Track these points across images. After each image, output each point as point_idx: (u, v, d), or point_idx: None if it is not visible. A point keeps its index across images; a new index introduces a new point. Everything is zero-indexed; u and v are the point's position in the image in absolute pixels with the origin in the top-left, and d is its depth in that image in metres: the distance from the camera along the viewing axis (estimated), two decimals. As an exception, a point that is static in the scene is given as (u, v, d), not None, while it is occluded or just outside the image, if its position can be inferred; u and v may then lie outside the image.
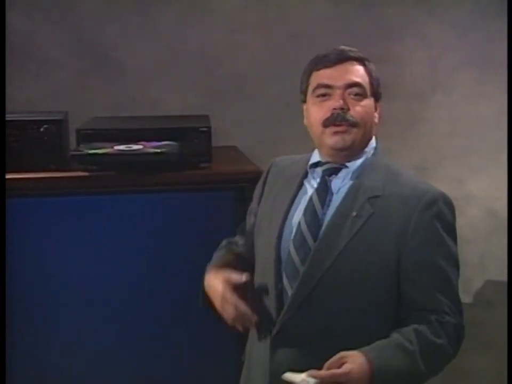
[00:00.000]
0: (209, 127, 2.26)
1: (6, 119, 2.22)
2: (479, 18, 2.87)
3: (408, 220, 1.60)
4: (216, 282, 1.67)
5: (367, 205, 1.62)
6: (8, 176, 2.16)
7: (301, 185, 1.73)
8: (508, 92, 2.72)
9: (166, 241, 2.18)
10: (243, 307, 1.61)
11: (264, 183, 1.85)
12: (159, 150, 2.15)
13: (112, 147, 2.16)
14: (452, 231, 1.66)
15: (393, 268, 1.61)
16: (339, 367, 1.46)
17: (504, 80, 2.85)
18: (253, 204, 1.88)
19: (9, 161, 2.18)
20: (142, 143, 2.20)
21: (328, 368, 1.46)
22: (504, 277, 3.03)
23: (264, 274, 1.70)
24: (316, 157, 1.74)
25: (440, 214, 1.64)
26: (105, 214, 2.20)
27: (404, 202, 1.62)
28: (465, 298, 3.04)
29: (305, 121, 1.74)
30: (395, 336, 1.56)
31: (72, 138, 2.34)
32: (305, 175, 1.74)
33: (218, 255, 1.84)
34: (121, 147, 2.17)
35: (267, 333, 1.66)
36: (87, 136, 2.19)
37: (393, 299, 1.62)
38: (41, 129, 2.20)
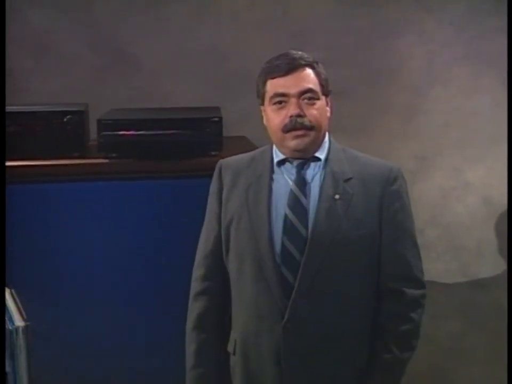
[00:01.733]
0: (220, 117, 2.44)
1: (32, 110, 2.42)
2: (474, 15, 3.02)
3: (381, 195, 1.82)
4: None
5: (345, 187, 1.81)
6: (33, 163, 2.35)
7: (271, 181, 1.86)
8: (508, 85, 2.86)
9: (180, 224, 2.34)
10: None
11: (221, 184, 1.93)
12: (174, 139, 2.33)
13: (130, 136, 2.34)
14: (407, 196, 1.89)
15: (377, 237, 1.82)
16: None
17: (499, 74, 3.01)
18: (212, 206, 1.94)
19: (35, 149, 2.38)
20: (158, 132, 2.38)
21: None
22: (500, 262, 3.20)
23: (260, 265, 1.81)
24: (279, 155, 1.87)
25: (403, 185, 1.88)
26: (123, 199, 2.38)
27: (374, 181, 1.83)
28: (463, 281, 3.24)
29: (264, 121, 1.90)
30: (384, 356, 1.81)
31: (92, 128, 2.53)
32: (272, 172, 1.87)
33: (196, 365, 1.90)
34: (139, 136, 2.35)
35: (276, 322, 1.79)
36: (107, 125, 2.37)
37: (377, 263, 1.83)
38: (65, 120, 2.39)
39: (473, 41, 3.04)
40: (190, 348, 1.92)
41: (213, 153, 2.40)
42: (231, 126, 2.72)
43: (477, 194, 3.19)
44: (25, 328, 1.60)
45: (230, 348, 1.91)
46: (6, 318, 1.64)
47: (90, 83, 2.94)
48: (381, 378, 1.83)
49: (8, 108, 2.45)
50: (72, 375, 2.32)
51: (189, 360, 1.92)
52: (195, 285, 1.94)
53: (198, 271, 1.95)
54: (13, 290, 1.78)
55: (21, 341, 1.59)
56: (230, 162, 1.98)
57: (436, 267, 3.19)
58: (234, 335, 1.90)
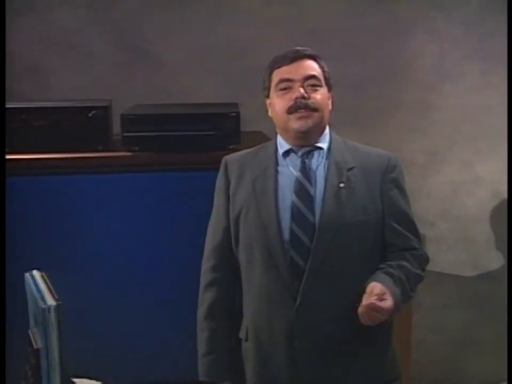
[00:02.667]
0: (238, 113, 2.55)
1: (59, 105, 2.54)
2: (484, 14, 3.11)
3: (382, 182, 1.93)
4: None
5: (348, 176, 1.91)
6: (60, 155, 2.48)
7: (276, 172, 1.96)
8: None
9: (199, 214, 2.44)
10: None
11: (227, 177, 2.02)
12: (193, 133, 2.45)
13: (152, 130, 2.46)
14: (404, 183, 2.00)
15: (380, 222, 1.93)
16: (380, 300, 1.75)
17: (508, 71, 3.09)
18: (219, 200, 2.03)
19: (62, 142, 2.50)
20: (178, 126, 2.50)
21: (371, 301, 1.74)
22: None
23: (269, 253, 1.90)
24: (284, 146, 1.98)
25: (400, 173, 1.99)
26: (144, 190, 2.50)
27: (374, 169, 1.94)
28: (473, 273, 3.33)
29: (269, 113, 2.00)
30: (389, 270, 1.87)
31: (115, 123, 2.65)
32: (277, 164, 1.97)
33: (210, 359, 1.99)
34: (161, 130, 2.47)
35: (288, 307, 1.88)
36: (131, 120, 2.49)
37: (380, 246, 1.95)
38: (90, 115, 2.51)
39: (483, 39, 3.13)
40: (202, 336, 2.01)
41: (231, 147, 2.50)
42: (248, 121, 2.82)
43: (487, 188, 3.27)
44: (57, 307, 1.72)
45: (242, 335, 2.00)
46: (38, 297, 1.76)
47: (113, 80, 3.07)
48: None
49: (37, 104, 2.59)
50: (98, 350, 2.45)
51: (201, 347, 2.01)
52: (205, 276, 2.04)
53: (207, 263, 2.04)
54: (43, 273, 1.90)
55: (52, 319, 1.71)
56: (235, 157, 2.06)
57: (447, 259, 3.28)
58: (246, 322, 1.99)
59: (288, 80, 1.91)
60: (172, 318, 2.51)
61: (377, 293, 1.75)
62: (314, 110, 1.90)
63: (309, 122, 1.90)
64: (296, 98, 1.89)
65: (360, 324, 1.83)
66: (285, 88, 1.91)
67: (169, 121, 2.50)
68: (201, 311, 2.02)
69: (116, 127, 2.64)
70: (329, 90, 1.97)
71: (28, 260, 2.06)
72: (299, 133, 1.92)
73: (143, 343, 2.53)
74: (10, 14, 3.02)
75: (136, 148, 2.50)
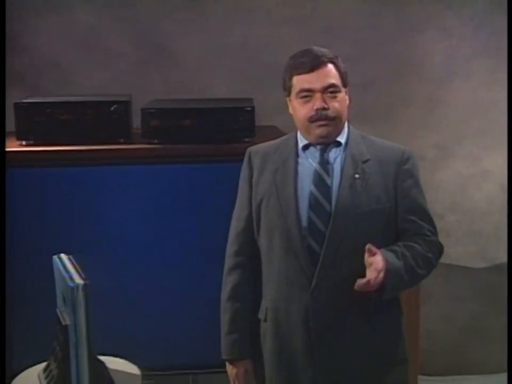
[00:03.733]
0: (253, 107, 2.68)
1: (82, 100, 2.68)
2: (493, 12, 3.21)
3: (396, 173, 2.05)
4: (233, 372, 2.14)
5: (363, 167, 2.03)
6: (83, 148, 2.61)
7: (296, 164, 2.08)
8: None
9: (215, 203, 2.58)
10: None
11: (251, 168, 2.14)
12: (210, 126, 2.58)
13: (171, 124, 2.60)
14: (418, 175, 2.11)
15: (393, 211, 2.04)
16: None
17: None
18: (243, 189, 2.14)
19: (84, 135, 2.64)
20: (196, 120, 2.63)
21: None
22: (516, 246, 3.37)
23: (288, 239, 2.03)
24: (304, 140, 2.09)
25: (414, 165, 2.09)
26: (164, 180, 2.64)
27: (389, 161, 2.05)
28: (481, 265, 3.42)
29: (290, 110, 2.11)
30: (393, 247, 1.99)
31: (134, 117, 2.78)
32: (297, 156, 2.09)
33: (233, 338, 2.12)
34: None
35: (304, 289, 2.01)
36: (151, 114, 2.62)
37: (394, 232, 2.06)
38: (112, 109, 2.65)
39: (492, 36, 3.23)
40: (225, 316, 2.14)
41: (246, 139, 2.63)
42: (263, 116, 2.95)
43: (495, 181, 3.37)
44: (84, 286, 1.85)
45: (261, 315, 2.13)
46: (67, 277, 1.89)
47: (132, 76, 3.19)
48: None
49: (61, 98, 2.73)
50: (122, 327, 2.59)
51: (224, 327, 2.15)
52: (229, 260, 2.17)
53: (231, 247, 2.17)
54: (70, 256, 2.04)
55: (80, 297, 1.84)
56: (258, 149, 2.19)
57: (456, 251, 3.38)
58: (265, 303, 2.12)
59: (309, 90, 2.02)
60: (193, 302, 2.67)
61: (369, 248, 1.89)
62: (333, 119, 2.03)
63: (329, 129, 2.03)
64: (317, 109, 2.01)
65: (370, 306, 1.96)
66: (305, 96, 2.03)
67: (188, 115, 2.64)
68: (224, 293, 2.15)
69: (135, 121, 2.77)
70: (346, 86, 2.09)
71: (55, 244, 2.21)
72: (320, 137, 2.06)
73: (163, 325, 2.68)
74: (33, 13, 3.18)
75: (156, 141, 2.63)
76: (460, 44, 3.27)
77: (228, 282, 2.15)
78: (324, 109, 2.00)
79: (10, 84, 3.14)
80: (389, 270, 1.91)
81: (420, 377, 3.05)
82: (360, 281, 1.88)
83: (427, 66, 3.30)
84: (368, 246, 1.89)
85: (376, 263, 1.88)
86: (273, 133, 2.89)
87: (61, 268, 1.96)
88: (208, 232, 2.60)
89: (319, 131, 2.03)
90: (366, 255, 1.89)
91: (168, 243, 2.65)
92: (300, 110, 2.04)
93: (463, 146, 3.35)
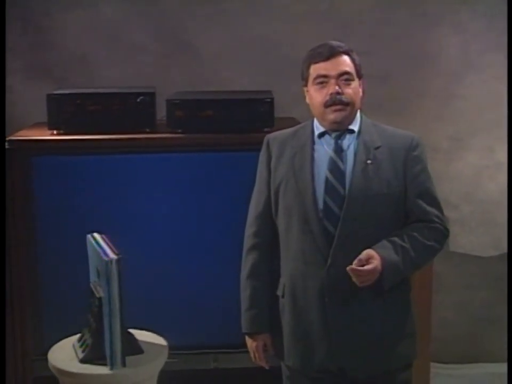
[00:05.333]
0: (272, 99, 2.91)
1: (110, 91, 2.92)
2: (506, 6, 3.39)
3: (406, 159, 2.26)
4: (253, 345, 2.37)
5: (375, 154, 2.25)
6: (110, 137, 2.86)
7: (313, 150, 2.30)
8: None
9: (236, 189, 2.79)
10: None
11: (269, 153, 2.34)
12: (231, 117, 2.81)
13: (194, 114, 2.84)
14: (426, 160, 2.31)
15: (402, 194, 2.25)
16: (367, 263, 2.12)
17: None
18: (262, 174, 2.34)
19: (112, 125, 2.88)
20: (218, 111, 2.87)
21: (360, 264, 2.11)
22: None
23: (305, 220, 2.24)
24: (319, 128, 2.31)
25: (423, 152, 2.30)
26: (187, 168, 2.88)
27: (399, 148, 2.26)
28: (494, 254, 3.62)
29: (307, 100, 2.33)
30: (393, 239, 2.21)
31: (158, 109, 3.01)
32: (313, 143, 2.31)
33: (253, 313, 2.34)
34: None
35: (320, 267, 2.23)
36: (175, 105, 2.86)
37: (403, 215, 2.27)
38: (138, 100, 2.89)
39: (505, 30, 3.39)
40: (245, 293, 2.38)
41: (265, 130, 2.85)
42: (281, 108, 3.15)
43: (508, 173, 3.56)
44: (117, 260, 2.09)
45: (279, 292, 2.35)
46: (101, 252, 2.13)
47: (155, 70, 3.43)
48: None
49: (90, 90, 2.98)
50: (145, 308, 2.79)
51: (244, 303, 2.38)
52: (248, 241, 2.39)
53: (250, 229, 2.39)
54: (103, 235, 2.28)
55: (114, 270, 2.08)
56: (275, 136, 2.40)
57: (469, 240, 3.59)
58: (283, 280, 2.34)
59: (325, 76, 2.25)
60: (215, 283, 2.93)
61: (361, 258, 2.13)
62: (347, 104, 2.24)
63: (343, 114, 2.25)
64: (332, 94, 2.22)
65: (381, 284, 2.18)
66: (321, 83, 2.25)
67: (210, 106, 2.88)
68: (244, 272, 2.38)
69: (158, 112, 3.01)
70: (360, 78, 2.31)
71: (85, 226, 2.46)
72: (334, 123, 2.27)
73: (184, 305, 2.94)
74: (61, 9, 3.43)
75: (180, 130, 2.87)
76: (474, 38, 3.47)
77: (247, 261, 2.37)
78: (338, 93, 2.22)
79: (38, 77, 3.41)
80: (386, 266, 2.15)
81: (432, 364, 3.22)
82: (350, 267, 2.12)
83: (442, 60, 3.50)
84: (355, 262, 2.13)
85: (363, 254, 2.15)
86: (292, 124, 3.08)
87: (95, 244, 2.22)
88: (229, 215, 2.83)
89: (333, 116, 2.24)
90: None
91: (190, 226, 2.90)
92: (315, 96, 2.26)
93: (477, 138, 3.54)
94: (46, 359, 2.32)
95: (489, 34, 3.46)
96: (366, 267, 2.12)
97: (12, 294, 2.87)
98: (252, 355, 2.39)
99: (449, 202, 3.52)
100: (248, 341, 2.39)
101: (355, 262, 2.12)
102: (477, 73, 3.50)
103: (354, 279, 2.13)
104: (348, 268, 2.12)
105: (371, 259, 2.14)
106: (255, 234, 2.37)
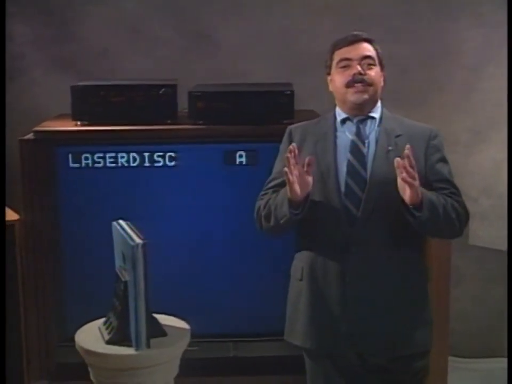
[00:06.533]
0: (292, 91, 3.07)
1: (134, 83, 3.09)
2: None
3: (425, 148, 2.42)
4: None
5: (396, 141, 2.40)
6: (134, 127, 3.03)
7: (335, 137, 2.45)
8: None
9: (255, 178, 2.89)
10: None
11: (291, 141, 2.46)
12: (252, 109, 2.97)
13: (216, 106, 3.00)
14: (444, 150, 2.48)
15: (422, 181, 2.36)
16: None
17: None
18: (281, 161, 2.43)
19: (135, 116, 3.05)
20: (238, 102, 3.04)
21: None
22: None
23: (328, 201, 2.39)
24: (341, 115, 2.47)
25: (441, 142, 2.47)
26: (208, 159, 3.06)
27: (418, 137, 2.43)
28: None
29: (330, 88, 2.49)
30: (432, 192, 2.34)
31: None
32: (335, 130, 2.47)
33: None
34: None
35: (342, 247, 2.38)
36: (197, 97, 3.02)
37: None
38: (160, 92, 3.05)
39: (525, 23, 3.55)
40: (270, 208, 2.42)
41: (285, 121, 2.99)
42: (301, 101, 3.29)
43: (528, 165, 3.68)
44: (143, 245, 2.24)
45: (297, 275, 2.49)
46: (127, 237, 2.29)
47: (175, 63, 3.58)
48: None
49: (114, 82, 3.16)
50: (166, 295, 2.89)
51: (274, 206, 2.40)
52: (258, 202, 2.49)
53: (260, 198, 2.50)
54: (127, 222, 2.44)
55: (140, 255, 2.23)
56: (298, 125, 2.59)
57: (489, 234, 3.71)
58: (301, 264, 2.47)
59: (347, 59, 2.42)
60: (236, 272, 3.10)
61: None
62: (369, 84, 2.40)
63: (364, 95, 2.41)
64: (354, 74, 2.39)
65: (401, 264, 2.34)
66: (344, 66, 2.42)
67: (231, 98, 3.04)
68: (262, 210, 2.46)
69: (179, 105, 3.17)
70: (382, 69, 2.47)
71: (107, 213, 2.63)
72: (355, 104, 2.42)
73: (205, 294, 3.10)
74: (83, 1, 3.60)
75: (201, 121, 3.04)
76: (494, 30, 3.58)
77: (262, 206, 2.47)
78: (360, 73, 2.39)
79: (61, 70, 3.59)
80: (424, 198, 2.26)
81: (450, 358, 3.33)
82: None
83: (462, 52, 3.63)
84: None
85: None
86: (311, 116, 3.22)
87: (121, 230, 2.37)
88: (249, 205, 2.97)
89: (354, 97, 2.40)
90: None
91: (211, 216, 3.07)
92: (338, 78, 2.42)
93: (497, 131, 3.66)
94: (69, 346, 2.46)
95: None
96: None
97: (35, 281, 3.06)
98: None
99: (468, 195, 3.61)
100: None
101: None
102: (497, 66, 3.61)
103: (399, 172, 2.22)
104: (396, 159, 2.23)
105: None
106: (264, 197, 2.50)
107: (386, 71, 2.49)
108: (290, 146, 2.30)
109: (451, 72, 3.66)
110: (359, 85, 2.40)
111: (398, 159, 2.23)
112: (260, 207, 2.49)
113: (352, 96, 2.41)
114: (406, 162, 2.21)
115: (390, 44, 3.35)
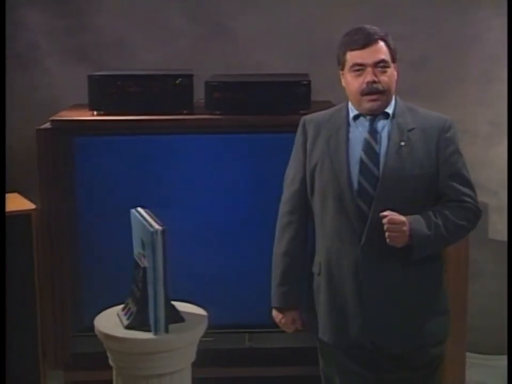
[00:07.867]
0: (309, 81, 3.19)
1: (150, 73, 3.23)
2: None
3: (438, 140, 2.51)
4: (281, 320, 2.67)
5: (409, 135, 2.50)
6: (150, 117, 3.17)
7: (348, 132, 2.54)
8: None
9: (272, 169, 3.01)
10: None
11: (305, 134, 2.59)
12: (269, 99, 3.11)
13: (233, 96, 3.14)
14: (458, 142, 2.55)
15: (435, 175, 2.49)
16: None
17: None
18: (298, 154, 2.60)
19: (151, 106, 3.19)
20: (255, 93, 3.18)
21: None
22: None
23: (341, 200, 2.50)
24: (354, 111, 2.53)
25: (455, 133, 2.55)
26: (224, 149, 3.20)
27: (432, 129, 2.51)
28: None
29: (343, 83, 2.57)
30: (427, 213, 2.46)
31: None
32: (348, 125, 2.55)
33: (284, 290, 2.63)
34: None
35: (355, 245, 2.50)
36: (214, 87, 3.16)
37: (435, 195, 2.51)
38: (177, 82, 3.19)
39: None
40: (278, 269, 2.65)
41: (302, 112, 3.10)
42: (317, 92, 3.40)
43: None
44: (162, 231, 2.38)
45: (315, 269, 2.62)
46: (146, 224, 2.43)
47: (191, 52, 3.72)
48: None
49: (131, 72, 3.30)
50: (188, 278, 3.12)
51: (276, 279, 2.65)
52: (283, 219, 2.66)
53: (285, 207, 2.66)
54: (146, 209, 2.58)
55: (159, 241, 2.36)
56: (312, 117, 2.66)
57: (508, 227, 3.83)
58: (319, 258, 2.60)
59: (361, 65, 2.49)
60: (252, 262, 3.22)
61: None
62: (383, 93, 2.49)
63: (378, 103, 2.50)
64: (368, 82, 2.47)
65: (414, 260, 2.45)
66: (358, 70, 2.50)
67: (248, 88, 3.17)
68: (279, 249, 2.65)
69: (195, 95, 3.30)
70: (395, 62, 2.55)
71: (127, 203, 2.76)
72: (370, 111, 2.53)
73: (221, 284, 3.25)
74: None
75: (218, 112, 3.17)
76: (515, 20, 3.68)
77: (282, 238, 2.64)
78: (374, 82, 2.47)
79: (75, 60, 3.74)
80: (416, 238, 2.41)
81: (468, 354, 3.43)
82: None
83: (482, 43, 3.74)
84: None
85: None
86: (328, 107, 3.37)
87: (140, 217, 2.51)
88: (264, 195, 3.12)
89: (369, 105, 2.50)
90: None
91: (227, 206, 3.21)
92: (352, 83, 2.52)
93: (517, 123, 3.77)
94: (86, 335, 2.61)
95: (530, 17, 3.68)
96: (398, 216, 2.40)
97: (52, 271, 3.21)
98: (280, 326, 2.68)
99: (488, 188, 3.77)
100: (277, 315, 2.67)
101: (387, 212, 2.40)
102: (518, 56, 3.71)
103: (386, 227, 2.39)
104: (381, 214, 2.40)
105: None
106: (291, 212, 2.64)
107: (404, 62, 2.57)
108: None
109: (470, 63, 3.77)
110: (373, 95, 2.47)
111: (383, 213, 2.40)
112: (280, 224, 2.68)
113: (367, 104, 2.50)
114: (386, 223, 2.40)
115: (408, 34, 3.50)
